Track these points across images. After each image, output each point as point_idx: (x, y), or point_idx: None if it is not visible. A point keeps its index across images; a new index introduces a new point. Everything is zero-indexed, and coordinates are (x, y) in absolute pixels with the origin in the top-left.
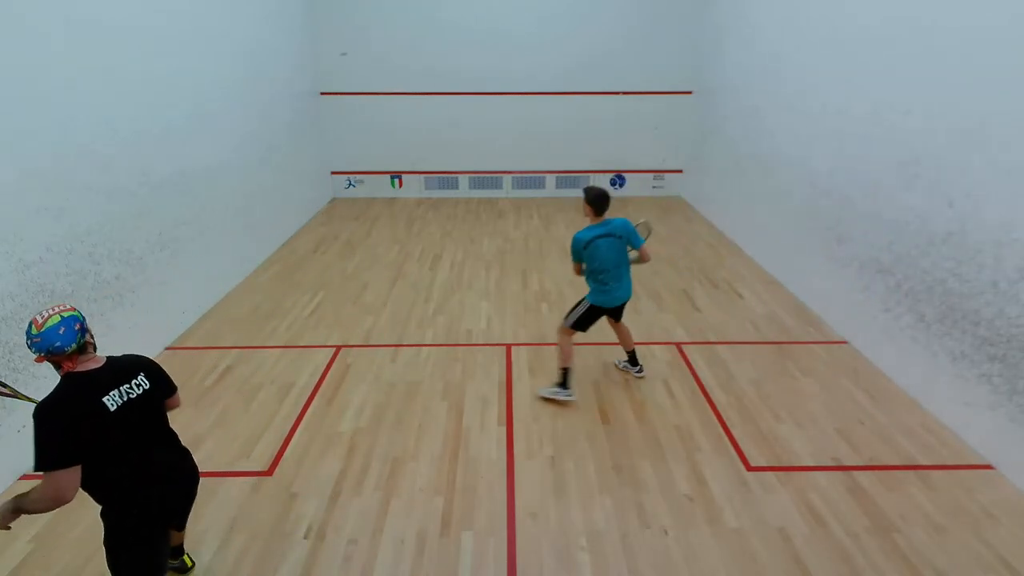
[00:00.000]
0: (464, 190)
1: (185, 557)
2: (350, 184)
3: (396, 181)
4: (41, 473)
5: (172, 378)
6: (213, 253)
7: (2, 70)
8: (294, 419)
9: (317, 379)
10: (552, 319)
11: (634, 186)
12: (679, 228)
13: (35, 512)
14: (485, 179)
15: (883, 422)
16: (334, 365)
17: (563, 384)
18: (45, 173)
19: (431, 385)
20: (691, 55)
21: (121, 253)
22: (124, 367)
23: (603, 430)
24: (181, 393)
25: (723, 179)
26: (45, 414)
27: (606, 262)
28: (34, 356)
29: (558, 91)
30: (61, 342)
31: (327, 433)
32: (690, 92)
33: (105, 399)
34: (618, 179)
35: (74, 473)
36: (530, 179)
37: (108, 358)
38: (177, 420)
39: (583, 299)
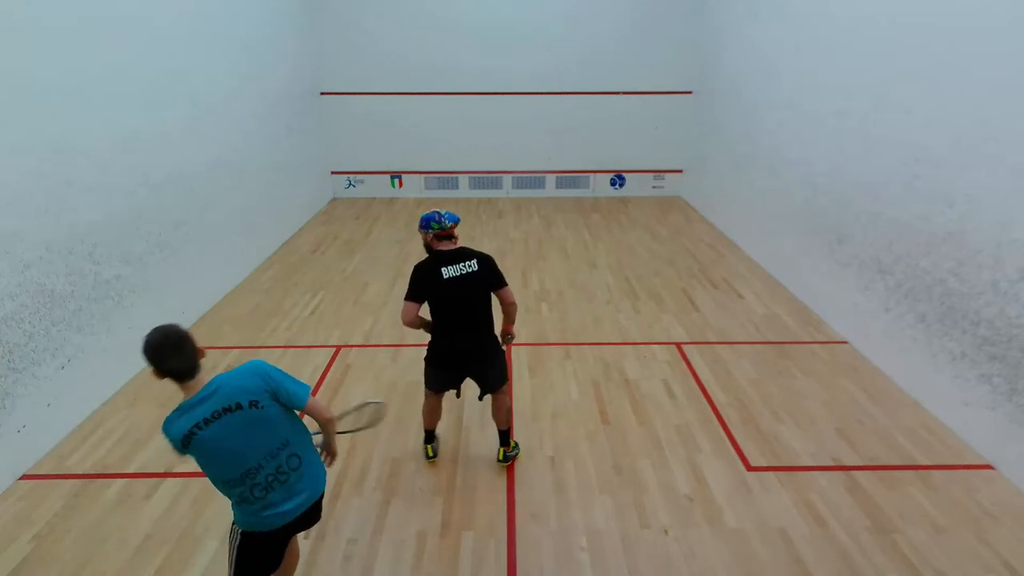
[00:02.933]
0: (464, 190)
1: (500, 451)
2: (350, 184)
3: (396, 181)
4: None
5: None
6: (213, 253)
7: (2, 70)
8: None
9: (317, 379)
10: (552, 319)
11: (634, 186)
12: (679, 228)
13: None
14: (485, 179)
15: (883, 422)
16: (334, 365)
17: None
18: (45, 173)
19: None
20: (691, 55)
21: (121, 253)
22: (464, 254)
23: (603, 430)
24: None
25: (723, 179)
26: (413, 270)
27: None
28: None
29: (558, 91)
30: (441, 223)
31: None
32: (690, 92)
33: (443, 269)
34: (618, 179)
35: (413, 306)
36: (530, 179)
37: (460, 247)
38: None
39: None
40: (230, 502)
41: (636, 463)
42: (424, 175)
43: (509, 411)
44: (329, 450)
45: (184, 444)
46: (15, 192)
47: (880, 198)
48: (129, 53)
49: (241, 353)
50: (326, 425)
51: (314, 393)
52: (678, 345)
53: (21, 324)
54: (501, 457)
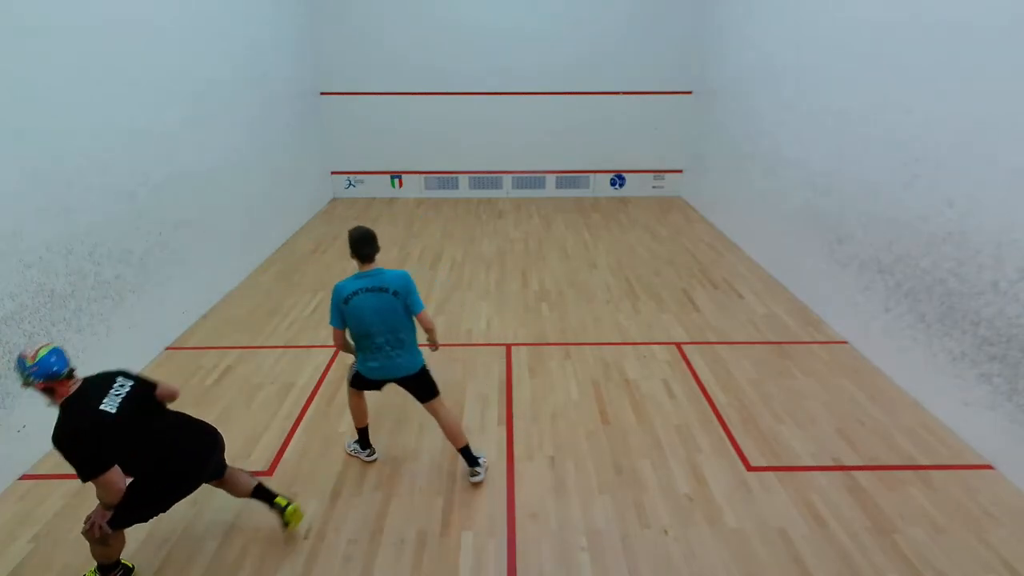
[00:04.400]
0: (464, 190)
1: (279, 499)
2: (350, 184)
3: (396, 181)
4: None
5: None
6: (213, 253)
7: (2, 70)
8: (294, 419)
9: (317, 379)
10: (552, 319)
11: (634, 186)
12: (679, 228)
13: (111, 505)
14: (485, 179)
15: (883, 422)
16: (334, 365)
17: (360, 443)
18: (45, 173)
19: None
20: (691, 55)
21: (121, 253)
22: (103, 378)
23: (603, 430)
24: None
25: (723, 179)
26: (66, 442)
27: (366, 325)
28: (35, 383)
29: (558, 91)
30: (58, 367)
31: (327, 433)
32: (690, 92)
33: (102, 406)
34: (618, 179)
35: (114, 472)
36: (530, 179)
37: (84, 378)
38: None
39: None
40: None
41: (636, 463)
42: (424, 175)
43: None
44: (433, 345)
45: (350, 297)
46: (15, 192)
47: (880, 198)
48: (129, 53)
49: (241, 353)
50: (429, 332)
51: (314, 393)
52: (678, 345)
53: (21, 324)
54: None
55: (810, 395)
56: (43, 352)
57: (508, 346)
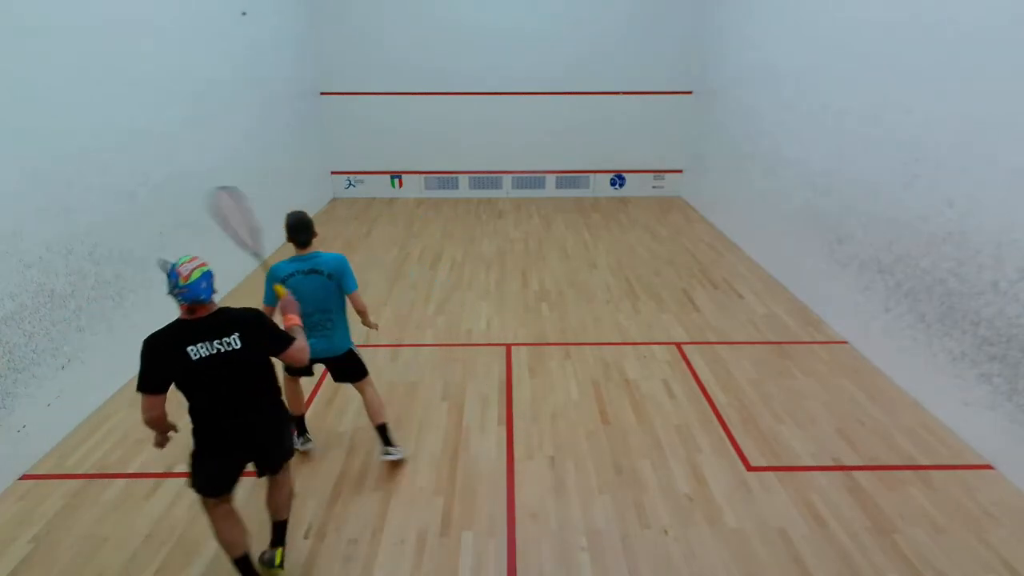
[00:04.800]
0: (464, 190)
1: (278, 552)
2: (350, 184)
3: (396, 181)
4: None
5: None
6: (213, 253)
7: (2, 70)
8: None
9: (317, 379)
10: (552, 319)
11: (634, 186)
12: (679, 228)
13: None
14: (485, 179)
15: (883, 422)
16: None
17: (295, 431)
18: (45, 173)
19: (431, 385)
20: (691, 55)
21: (121, 253)
22: (224, 323)
23: (603, 430)
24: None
25: (723, 179)
26: (143, 346)
27: (304, 305)
28: (180, 303)
29: (558, 91)
30: (205, 295)
31: (327, 433)
32: (690, 92)
33: (189, 348)
34: (618, 179)
35: (151, 399)
36: (530, 179)
37: (220, 309)
38: (178, 421)
39: None
40: None
41: (636, 463)
42: (424, 175)
43: (291, 494)
44: (366, 324)
45: (284, 280)
46: (15, 192)
47: (880, 198)
48: (129, 53)
49: None
50: (362, 313)
51: (314, 393)
52: (678, 345)
53: (21, 324)
54: (279, 561)
55: (810, 395)
56: (196, 275)
57: (508, 346)
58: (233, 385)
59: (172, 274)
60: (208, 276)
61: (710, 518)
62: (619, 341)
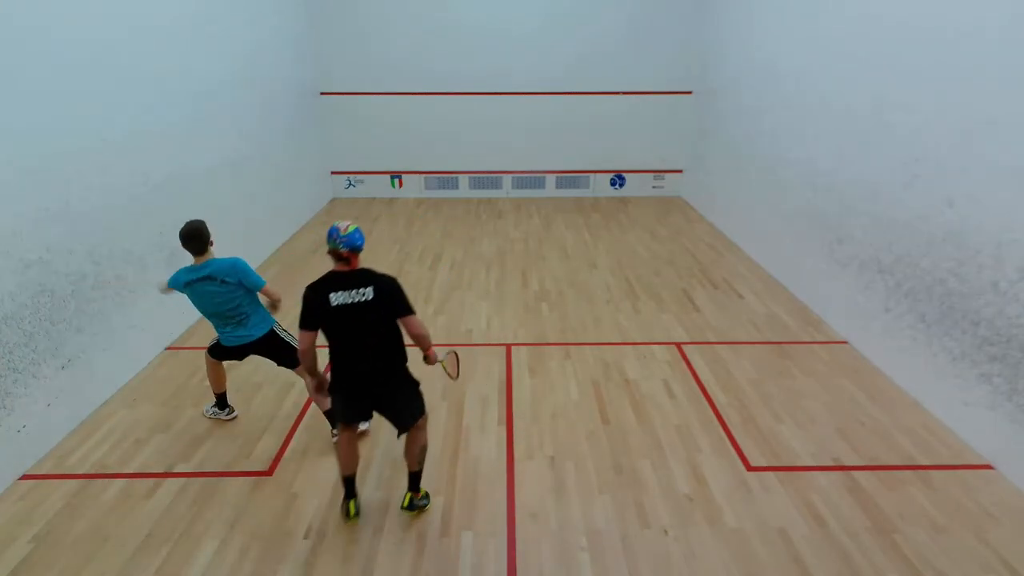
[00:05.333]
0: (464, 190)
1: (407, 496)
2: (350, 184)
3: (396, 181)
4: None
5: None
6: (213, 253)
7: (2, 70)
8: (294, 419)
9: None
10: (552, 319)
11: (634, 186)
12: (679, 228)
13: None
14: (485, 179)
15: (883, 422)
16: None
17: (218, 404)
18: (45, 173)
19: (431, 385)
20: (691, 55)
21: (121, 253)
22: (363, 278)
23: (603, 430)
24: (181, 393)
25: (723, 179)
26: (304, 291)
27: (204, 310)
28: (343, 251)
29: (558, 91)
30: (360, 242)
31: (327, 433)
32: (690, 92)
33: (331, 295)
34: (618, 179)
35: (304, 334)
36: (530, 179)
37: (364, 268)
38: (179, 420)
39: None
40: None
41: (636, 463)
42: (424, 175)
43: (423, 449)
44: (274, 308)
45: (184, 286)
46: (15, 192)
47: (880, 198)
48: (129, 53)
49: None
50: (274, 304)
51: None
52: (678, 345)
53: (21, 324)
54: (406, 504)
55: (810, 395)
56: (351, 228)
57: (508, 346)
58: (362, 334)
59: (332, 230)
60: (359, 231)
61: (710, 518)
62: (619, 341)
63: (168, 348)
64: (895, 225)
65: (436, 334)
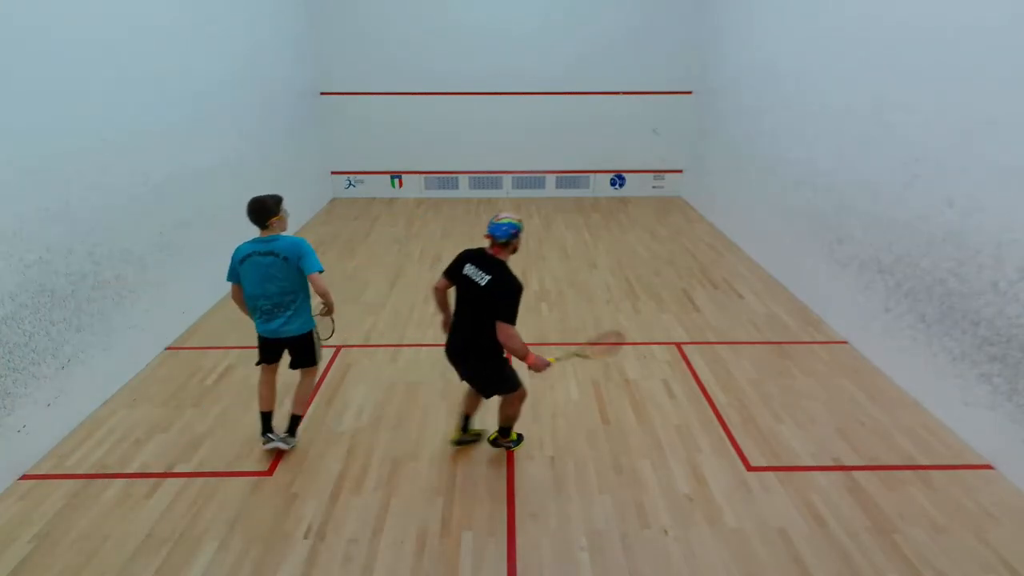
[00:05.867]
0: (464, 190)
1: (506, 437)
2: (350, 184)
3: (396, 181)
4: None
5: (506, 308)
6: (213, 253)
7: (2, 70)
8: None
9: (317, 379)
10: (552, 319)
11: (634, 186)
12: (679, 228)
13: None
14: (485, 179)
15: (883, 422)
16: (334, 365)
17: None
18: (45, 173)
19: (431, 385)
20: (691, 55)
21: (121, 253)
22: (487, 263)
23: (603, 430)
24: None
25: (723, 179)
26: (520, 291)
27: (254, 287)
28: (487, 234)
29: (558, 91)
30: (498, 235)
31: (327, 433)
32: (690, 92)
33: (467, 265)
34: (618, 179)
35: (441, 280)
36: (530, 179)
37: (500, 260)
38: (178, 421)
39: None
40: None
41: (636, 463)
42: (424, 175)
43: (507, 417)
44: (328, 309)
45: (241, 260)
46: (15, 192)
47: (880, 198)
48: (129, 53)
49: (241, 353)
50: (323, 295)
51: (314, 393)
52: (678, 345)
53: (21, 324)
54: (491, 438)
55: (810, 395)
56: (503, 221)
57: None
58: (467, 307)
59: (512, 225)
60: (512, 227)
61: (710, 518)
62: (619, 341)
63: (168, 348)
64: (895, 225)
65: (437, 334)
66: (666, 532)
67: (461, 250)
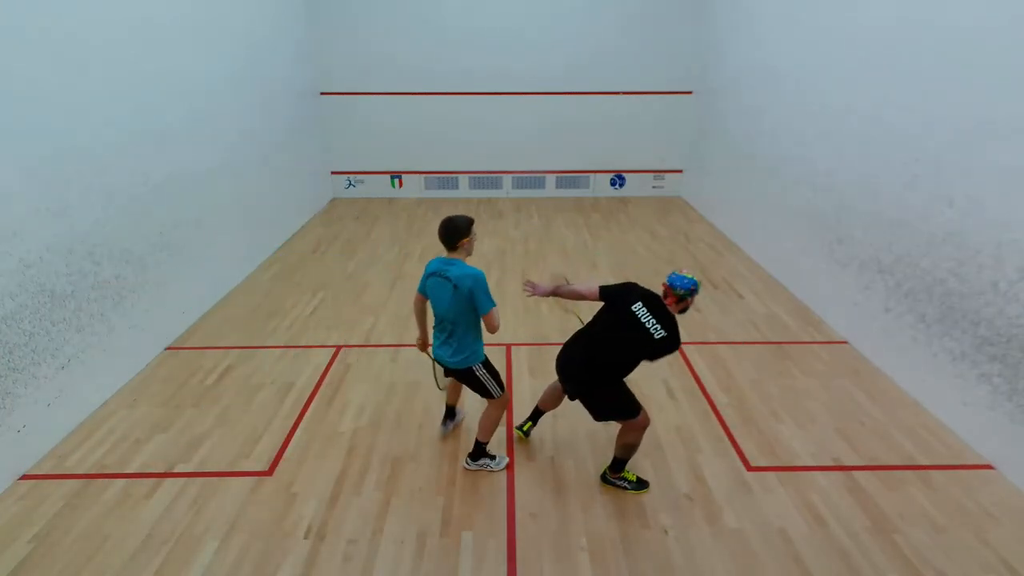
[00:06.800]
0: (464, 190)
1: (616, 473)
2: (350, 184)
3: (396, 181)
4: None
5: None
6: (213, 253)
7: (2, 70)
8: (294, 419)
9: (317, 379)
10: (552, 319)
11: (634, 186)
12: (679, 228)
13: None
14: (485, 179)
15: (883, 422)
16: (334, 365)
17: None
18: (45, 173)
19: (431, 385)
20: (691, 55)
21: (121, 253)
22: (664, 316)
23: (603, 430)
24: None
25: (723, 179)
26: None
27: (435, 306)
28: (664, 285)
29: (558, 91)
30: (674, 285)
31: (327, 433)
32: (690, 92)
33: (635, 304)
34: (618, 179)
35: (594, 291)
36: (530, 179)
37: (671, 315)
38: (178, 421)
39: None
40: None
41: (636, 463)
42: (424, 175)
43: (624, 447)
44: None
45: (427, 276)
46: (15, 192)
47: (880, 198)
48: (129, 53)
49: (241, 353)
50: (492, 332)
51: (314, 393)
52: None
53: (21, 324)
54: (601, 474)
55: (810, 395)
56: (683, 274)
57: (508, 346)
58: (615, 339)
59: (692, 282)
60: (683, 280)
61: (710, 518)
62: None
63: (168, 348)
64: (895, 225)
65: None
66: (666, 532)
67: (626, 280)
